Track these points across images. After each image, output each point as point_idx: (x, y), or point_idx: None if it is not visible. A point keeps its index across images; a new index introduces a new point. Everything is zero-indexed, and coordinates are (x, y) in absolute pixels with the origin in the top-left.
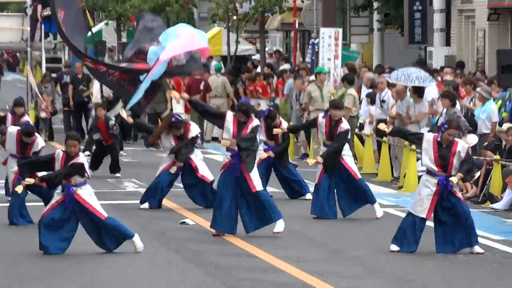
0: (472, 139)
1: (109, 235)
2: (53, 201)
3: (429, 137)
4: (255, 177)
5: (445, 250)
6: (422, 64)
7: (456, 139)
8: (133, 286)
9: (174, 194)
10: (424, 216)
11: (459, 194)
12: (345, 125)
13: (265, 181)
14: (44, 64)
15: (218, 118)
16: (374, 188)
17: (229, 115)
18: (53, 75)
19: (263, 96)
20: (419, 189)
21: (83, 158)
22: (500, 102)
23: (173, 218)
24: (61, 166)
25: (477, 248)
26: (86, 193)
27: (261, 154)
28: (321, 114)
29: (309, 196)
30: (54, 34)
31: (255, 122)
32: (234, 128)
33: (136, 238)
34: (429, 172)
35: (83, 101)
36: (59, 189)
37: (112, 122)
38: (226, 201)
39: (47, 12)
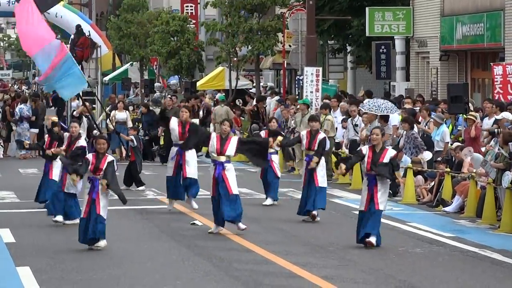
0: (427, 155)
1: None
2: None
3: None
4: (233, 182)
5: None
6: (388, 95)
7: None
8: (153, 275)
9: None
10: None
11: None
12: (322, 135)
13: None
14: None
15: (204, 137)
16: (347, 195)
17: (213, 135)
18: None
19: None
20: None
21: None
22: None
23: (185, 220)
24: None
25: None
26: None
27: None
28: (303, 132)
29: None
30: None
31: (234, 138)
32: (217, 143)
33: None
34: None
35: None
36: (88, 185)
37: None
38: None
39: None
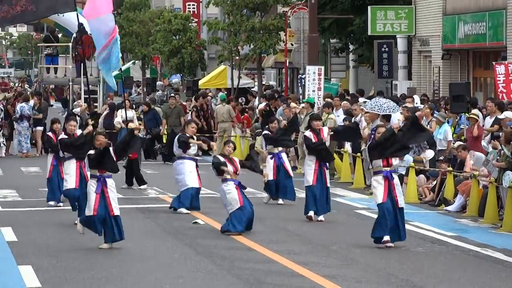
0: (429, 154)
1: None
2: (93, 198)
3: None
4: None
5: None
6: (381, 95)
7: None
8: (155, 274)
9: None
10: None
11: None
12: (325, 128)
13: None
14: (82, 96)
15: None
16: (349, 194)
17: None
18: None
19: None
20: None
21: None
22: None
23: (187, 218)
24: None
25: None
26: (111, 186)
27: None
28: (307, 132)
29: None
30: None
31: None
32: (231, 165)
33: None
34: None
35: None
36: (94, 185)
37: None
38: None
39: (48, 50)
